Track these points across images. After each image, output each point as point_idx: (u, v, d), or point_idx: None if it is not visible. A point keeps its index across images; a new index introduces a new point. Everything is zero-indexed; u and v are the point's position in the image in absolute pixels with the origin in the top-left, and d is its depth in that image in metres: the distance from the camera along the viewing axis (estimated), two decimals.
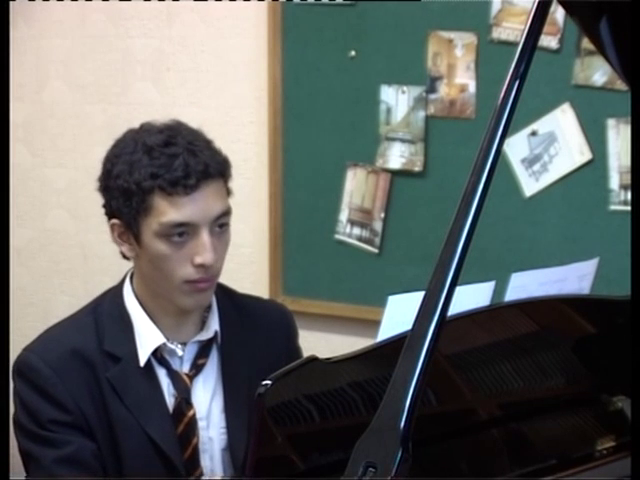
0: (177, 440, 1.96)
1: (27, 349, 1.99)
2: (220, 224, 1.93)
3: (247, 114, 3.21)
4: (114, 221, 1.96)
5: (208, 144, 1.97)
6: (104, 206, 1.98)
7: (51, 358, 1.94)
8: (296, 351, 2.15)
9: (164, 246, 1.90)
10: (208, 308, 2.03)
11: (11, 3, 2.74)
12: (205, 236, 1.90)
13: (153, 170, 1.89)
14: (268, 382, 1.41)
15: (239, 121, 3.23)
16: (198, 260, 1.90)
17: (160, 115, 3.24)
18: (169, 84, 3.32)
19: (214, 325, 2.02)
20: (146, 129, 1.97)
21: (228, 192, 1.97)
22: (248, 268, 3.26)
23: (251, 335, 2.05)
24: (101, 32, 3.41)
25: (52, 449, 1.91)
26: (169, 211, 1.88)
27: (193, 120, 3.22)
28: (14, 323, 3.17)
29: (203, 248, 1.90)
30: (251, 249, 3.25)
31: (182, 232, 1.90)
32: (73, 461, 1.91)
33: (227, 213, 1.94)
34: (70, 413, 1.92)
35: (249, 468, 1.43)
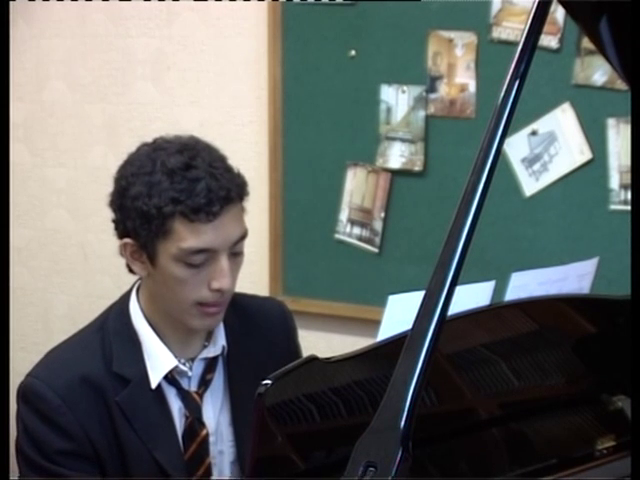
0: (185, 464, 1.92)
1: (33, 375, 1.92)
2: (236, 251, 1.91)
3: (247, 114, 3.21)
4: (127, 240, 1.89)
5: (225, 164, 1.91)
6: (115, 222, 1.91)
7: (59, 385, 1.87)
8: (296, 348, 2.14)
9: (181, 270, 1.86)
10: None
11: (11, 3, 2.74)
12: (224, 261, 1.87)
13: (174, 195, 1.82)
14: (268, 382, 1.41)
15: (239, 121, 3.22)
16: (215, 285, 1.87)
17: (160, 115, 3.26)
18: (169, 84, 3.32)
19: (221, 340, 1.99)
20: (162, 147, 1.89)
21: (243, 210, 1.93)
22: (248, 268, 3.23)
23: (254, 341, 2.03)
24: (101, 32, 3.41)
25: None
26: (189, 237, 1.84)
27: (193, 120, 3.25)
28: (14, 323, 3.17)
29: (221, 273, 1.87)
30: (251, 249, 3.24)
31: (201, 257, 1.86)
32: None
33: (244, 237, 1.91)
34: (77, 442, 1.87)
35: (249, 468, 1.43)
